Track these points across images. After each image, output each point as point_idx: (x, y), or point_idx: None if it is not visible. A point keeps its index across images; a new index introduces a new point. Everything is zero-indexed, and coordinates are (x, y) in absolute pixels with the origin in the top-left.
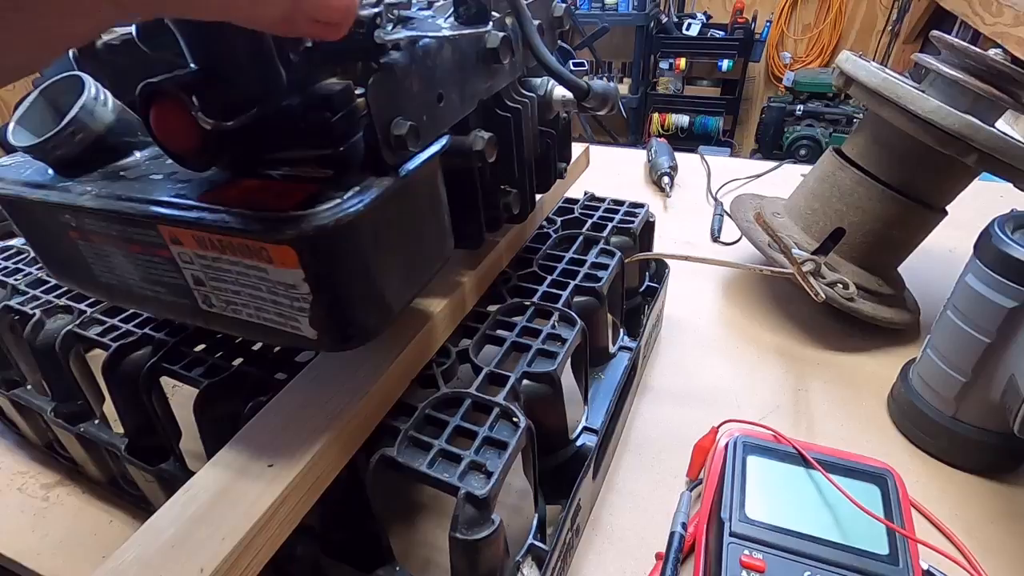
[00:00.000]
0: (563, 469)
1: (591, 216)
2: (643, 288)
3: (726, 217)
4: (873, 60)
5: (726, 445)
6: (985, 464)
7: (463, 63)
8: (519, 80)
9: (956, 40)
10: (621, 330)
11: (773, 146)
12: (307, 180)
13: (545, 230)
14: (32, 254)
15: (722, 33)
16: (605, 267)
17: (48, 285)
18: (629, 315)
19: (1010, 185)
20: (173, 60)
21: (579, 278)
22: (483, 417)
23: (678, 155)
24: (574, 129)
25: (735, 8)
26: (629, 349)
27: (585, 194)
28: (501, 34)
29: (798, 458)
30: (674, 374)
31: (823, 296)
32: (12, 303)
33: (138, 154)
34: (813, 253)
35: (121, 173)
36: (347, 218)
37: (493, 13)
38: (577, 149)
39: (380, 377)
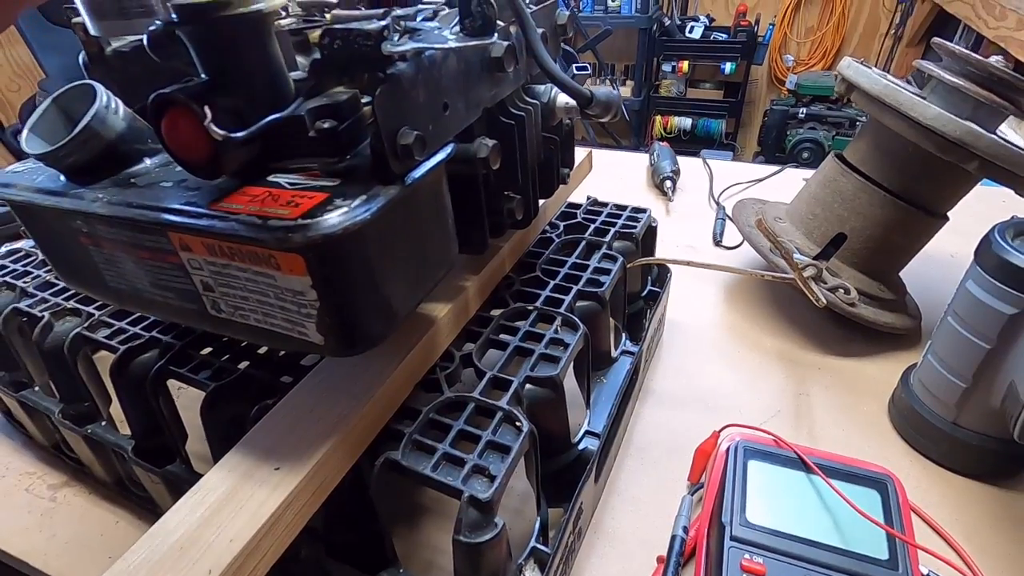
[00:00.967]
0: (565, 472)
1: (594, 221)
2: (645, 292)
3: (728, 221)
4: (876, 64)
5: (727, 449)
6: (985, 469)
7: (468, 72)
8: (523, 87)
9: (957, 47)
10: (623, 334)
11: (776, 149)
12: (315, 188)
13: (548, 235)
14: (40, 257)
15: (725, 36)
16: (608, 272)
17: (56, 288)
18: (631, 319)
19: (1011, 191)
20: (182, 68)
21: (582, 283)
22: (486, 421)
23: (680, 159)
24: (577, 132)
25: (738, 11)
26: (631, 353)
27: (588, 199)
28: (506, 44)
29: (799, 463)
30: (676, 378)
31: (824, 301)
32: (21, 305)
33: (148, 161)
34: (815, 258)
35: (132, 180)
36: (354, 226)
37: (498, 23)
38: (580, 154)
39: (385, 381)
